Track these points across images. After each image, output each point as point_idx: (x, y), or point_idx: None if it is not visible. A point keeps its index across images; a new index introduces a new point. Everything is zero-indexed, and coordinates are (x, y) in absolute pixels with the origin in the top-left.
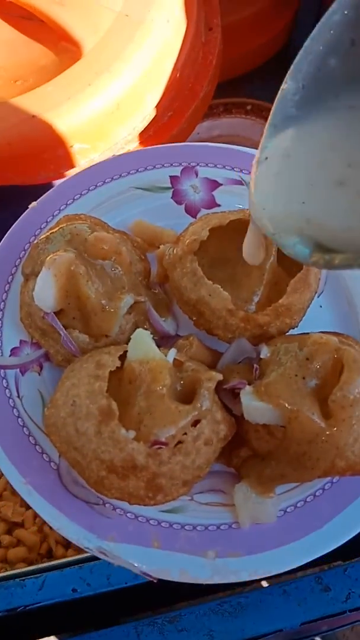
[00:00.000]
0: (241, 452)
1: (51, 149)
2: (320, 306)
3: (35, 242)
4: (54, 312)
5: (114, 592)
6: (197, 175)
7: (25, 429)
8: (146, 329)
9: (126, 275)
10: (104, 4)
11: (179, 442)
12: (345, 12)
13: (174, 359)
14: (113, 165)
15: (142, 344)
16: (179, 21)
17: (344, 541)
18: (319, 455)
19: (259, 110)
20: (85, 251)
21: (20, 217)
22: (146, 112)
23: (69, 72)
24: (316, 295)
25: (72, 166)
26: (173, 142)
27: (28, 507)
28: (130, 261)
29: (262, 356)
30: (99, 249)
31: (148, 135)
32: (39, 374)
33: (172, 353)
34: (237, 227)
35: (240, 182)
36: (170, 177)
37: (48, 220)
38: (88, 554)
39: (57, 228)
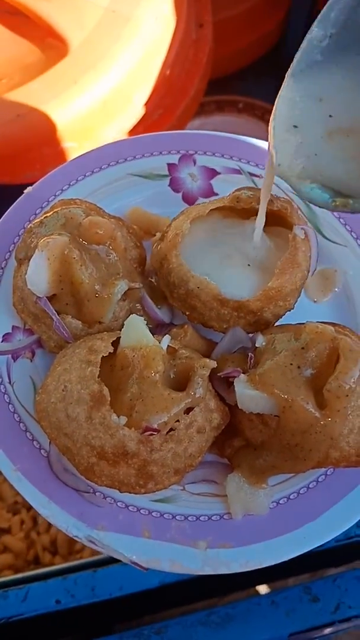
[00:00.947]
0: (234, 442)
1: (37, 148)
2: (315, 301)
3: (29, 226)
4: (47, 298)
5: (99, 603)
6: (195, 163)
7: (16, 415)
8: (140, 316)
9: (121, 261)
10: (91, 0)
11: (171, 430)
12: None
13: (168, 346)
14: (110, 152)
15: (136, 330)
16: (167, 18)
17: (338, 534)
18: (313, 445)
19: (250, 108)
20: (80, 235)
21: (15, 202)
22: (135, 110)
23: (55, 70)
24: (309, 274)
25: (59, 165)
26: None
27: (15, 513)
28: (125, 247)
29: (257, 345)
30: (94, 234)
31: (137, 133)
32: (31, 361)
33: (166, 340)
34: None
35: (238, 171)
36: (168, 164)
37: (43, 206)
38: (74, 562)
39: (51, 212)
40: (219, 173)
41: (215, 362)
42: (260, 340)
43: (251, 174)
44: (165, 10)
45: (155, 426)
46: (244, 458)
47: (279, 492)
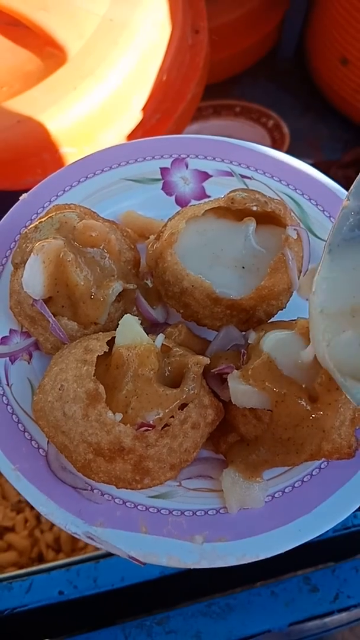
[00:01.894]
0: (229, 437)
1: (37, 153)
2: (307, 299)
3: (24, 232)
4: (43, 300)
5: (101, 594)
6: (187, 167)
7: (14, 416)
8: (135, 316)
9: (115, 264)
10: (89, 9)
11: (166, 425)
12: None
13: (162, 344)
14: (104, 157)
15: (130, 329)
16: (163, 25)
17: (332, 526)
18: (306, 438)
19: (247, 112)
20: (75, 239)
21: (11, 209)
22: (133, 115)
23: (54, 77)
24: (301, 274)
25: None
26: None
27: (19, 512)
28: (120, 250)
29: (250, 342)
30: (88, 237)
31: (136, 137)
32: (29, 363)
33: (160, 338)
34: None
35: (230, 174)
36: (161, 168)
37: (38, 211)
38: (78, 557)
39: (46, 217)
40: (210, 176)
41: (209, 359)
42: (253, 337)
43: (242, 176)
44: (160, 17)
45: (151, 422)
46: (239, 453)
47: (274, 486)
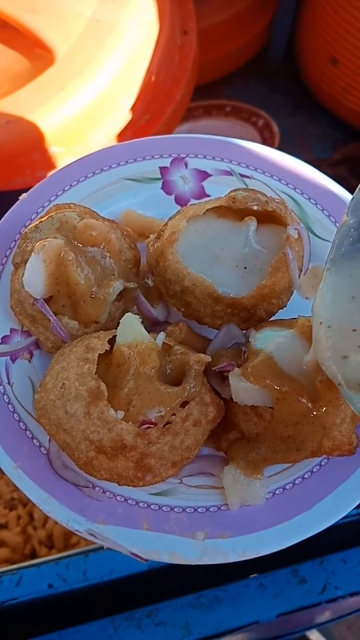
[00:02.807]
0: (230, 435)
1: (27, 153)
2: (306, 298)
3: (24, 231)
4: (44, 299)
5: (90, 587)
6: (186, 166)
7: (15, 414)
8: (135, 314)
9: (116, 263)
10: (76, 10)
11: (168, 423)
12: None
13: (163, 342)
14: (103, 157)
15: (131, 327)
16: (151, 25)
17: (332, 522)
18: (306, 435)
19: (237, 112)
20: (75, 238)
21: (10, 208)
22: (121, 115)
23: (42, 78)
24: (301, 273)
25: (48, 170)
26: None
27: (12, 509)
28: (120, 249)
29: (250, 340)
30: (88, 236)
31: (125, 138)
32: (29, 361)
33: (161, 337)
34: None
35: (229, 173)
36: (160, 168)
37: (38, 211)
38: (68, 552)
39: (46, 217)
40: (210, 175)
41: (210, 357)
42: (254, 336)
43: (242, 175)
44: (148, 18)
45: (152, 419)
46: (240, 450)
47: (274, 483)
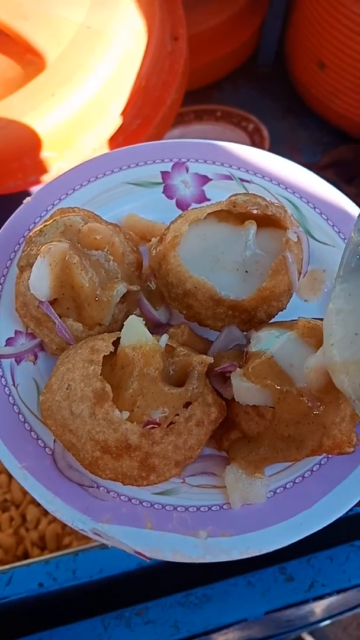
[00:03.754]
0: (232, 435)
1: (18, 158)
2: (305, 300)
3: (28, 235)
4: (49, 302)
5: (80, 586)
6: (187, 170)
7: (20, 416)
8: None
9: (119, 266)
10: (67, 17)
11: (171, 423)
12: None
13: (166, 344)
14: (105, 161)
15: (135, 329)
16: (141, 32)
17: (332, 520)
18: (307, 434)
19: (228, 117)
20: (79, 242)
21: (15, 212)
22: (112, 120)
23: (33, 84)
24: (300, 276)
25: (40, 175)
26: None
27: (4, 510)
28: (123, 252)
29: (251, 341)
30: (92, 240)
31: (117, 142)
32: (34, 363)
33: (164, 338)
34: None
35: (229, 177)
36: (162, 172)
37: (42, 214)
38: (60, 552)
39: (50, 221)
40: (210, 179)
41: (212, 359)
42: (255, 337)
43: (242, 180)
44: (138, 24)
45: (156, 420)
46: (241, 450)
47: (275, 482)
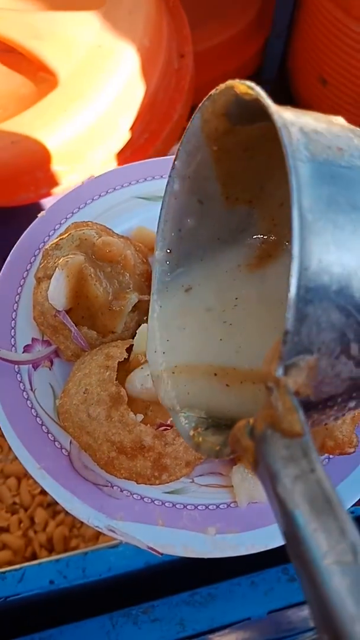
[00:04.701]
0: None
1: (31, 171)
2: None
3: (45, 248)
4: (65, 311)
5: (89, 584)
6: None
7: (38, 418)
8: None
9: (131, 277)
10: (78, 36)
11: None
12: (180, 182)
13: None
14: (116, 176)
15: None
16: (149, 50)
17: None
18: (311, 435)
19: None
20: (94, 254)
21: (30, 225)
22: (121, 135)
23: (46, 100)
24: None
25: (51, 187)
26: None
27: (13, 513)
28: (134, 264)
29: None
30: (106, 253)
31: (125, 156)
32: (50, 369)
33: None
34: None
35: None
36: None
37: (55, 228)
38: (66, 554)
39: (66, 234)
40: None
41: None
42: None
43: None
44: (146, 43)
45: (169, 422)
46: None
47: None
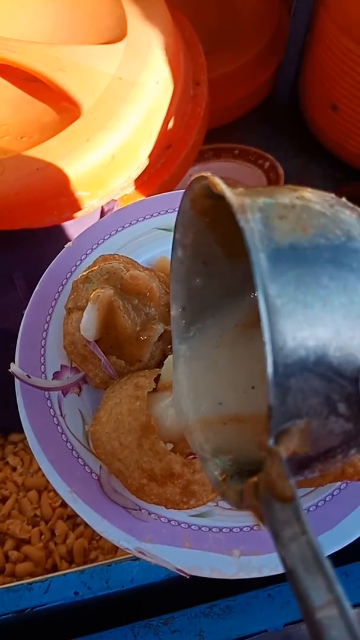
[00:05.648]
0: None
1: (54, 197)
2: None
3: (75, 280)
4: (95, 341)
5: (112, 595)
6: None
7: (68, 444)
8: None
9: (157, 308)
10: (100, 69)
11: None
12: (182, 250)
13: None
14: (138, 209)
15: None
16: (167, 81)
17: (351, 540)
18: None
19: (245, 154)
20: (121, 287)
21: (57, 255)
22: (140, 162)
23: (70, 129)
24: None
25: (74, 212)
26: (166, 186)
27: (34, 525)
28: (159, 295)
29: None
30: (134, 286)
31: (142, 181)
32: (79, 395)
33: None
34: None
35: None
36: None
37: (82, 258)
38: (90, 565)
39: (95, 267)
40: None
41: None
42: None
43: None
44: (165, 74)
45: None
46: None
47: None
